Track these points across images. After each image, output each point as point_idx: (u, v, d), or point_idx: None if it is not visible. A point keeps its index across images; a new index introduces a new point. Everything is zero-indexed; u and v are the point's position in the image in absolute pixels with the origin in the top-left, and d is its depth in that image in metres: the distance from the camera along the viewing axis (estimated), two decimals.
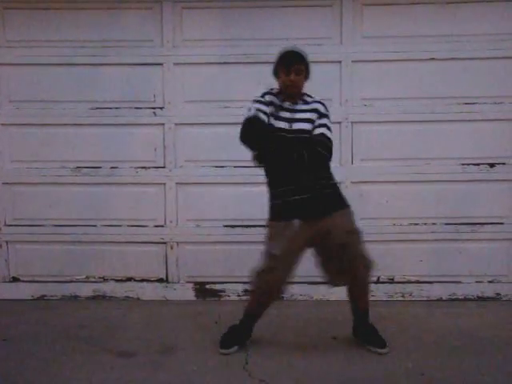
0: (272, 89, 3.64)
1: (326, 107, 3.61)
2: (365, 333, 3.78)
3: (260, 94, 3.60)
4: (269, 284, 3.66)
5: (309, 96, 3.64)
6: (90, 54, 4.58)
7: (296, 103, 3.58)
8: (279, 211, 3.59)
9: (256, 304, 3.77)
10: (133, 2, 4.55)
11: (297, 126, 3.51)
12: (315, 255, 3.69)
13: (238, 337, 3.77)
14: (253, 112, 3.49)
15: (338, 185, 3.69)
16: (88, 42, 4.59)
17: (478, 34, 4.50)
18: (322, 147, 3.47)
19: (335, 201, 3.61)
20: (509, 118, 4.54)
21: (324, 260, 3.67)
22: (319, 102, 3.62)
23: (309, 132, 3.52)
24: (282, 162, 3.50)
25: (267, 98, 3.57)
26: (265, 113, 3.51)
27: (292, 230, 3.55)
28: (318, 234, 3.55)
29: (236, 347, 3.73)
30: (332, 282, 3.72)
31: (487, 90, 4.53)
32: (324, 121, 3.56)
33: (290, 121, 3.51)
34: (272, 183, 3.64)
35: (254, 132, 3.49)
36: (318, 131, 3.51)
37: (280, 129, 3.49)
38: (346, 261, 3.56)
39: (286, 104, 3.56)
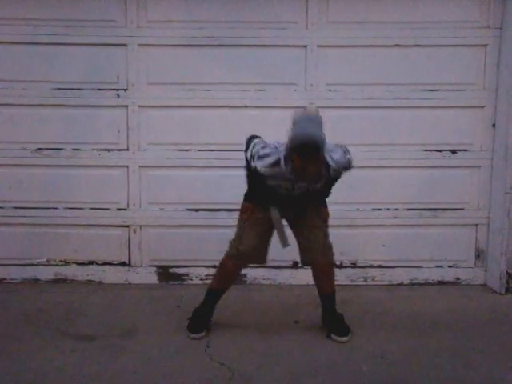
0: (278, 158, 3.33)
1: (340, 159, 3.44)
2: (328, 320, 3.80)
3: (262, 164, 3.38)
4: (230, 270, 3.73)
5: (330, 158, 3.37)
6: (53, 32, 4.48)
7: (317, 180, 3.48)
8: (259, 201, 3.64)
9: (217, 283, 3.79)
10: None
11: (315, 187, 3.50)
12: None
13: (204, 319, 3.77)
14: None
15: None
16: (50, 21, 4.47)
17: (441, 22, 4.51)
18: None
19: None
20: (471, 105, 4.59)
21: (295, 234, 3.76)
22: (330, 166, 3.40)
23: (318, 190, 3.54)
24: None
25: (266, 172, 3.40)
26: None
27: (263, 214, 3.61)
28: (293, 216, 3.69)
29: (204, 331, 3.73)
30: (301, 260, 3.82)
31: (450, 77, 4.57)
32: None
33: (307, 188, 3.49)
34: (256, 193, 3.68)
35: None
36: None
37: (291, 193, 3.51)
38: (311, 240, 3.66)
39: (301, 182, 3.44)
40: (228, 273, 3.75)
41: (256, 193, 3.64)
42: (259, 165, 3.38)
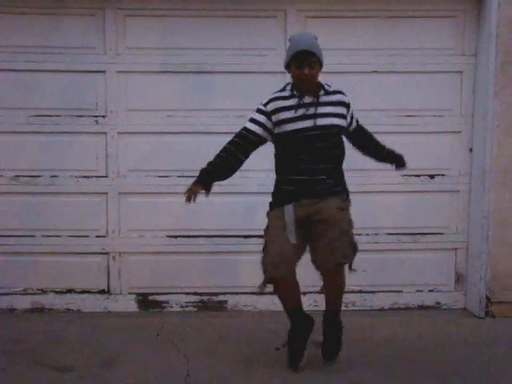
0: (285, 86, 3.55)
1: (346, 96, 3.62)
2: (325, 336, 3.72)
3: (265, 101, 3.50)
4: (280, 288, 3.57)
5: (328, 85, 3.58)
6: (30, 59, 4.47)
7: (317, 96, 3.49)
8: (284, 196, 3.54)
9: (285, 303, 3.63)
10: (75, 8, 4.47)
11: (322, 121, 3.45)
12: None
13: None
14: (245, 129, 3.49)
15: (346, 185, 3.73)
16: (28, 48, 4.47)
17: (417, 48, 4.60)
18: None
19: (337, 189, 3.61)
20: (448, 130, 4.65)
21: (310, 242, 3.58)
22: (341, 93, 3.59)
23: (337, 127, 3.50)
24: (302, 158, 3.47)
25: (271, 106, 3.47)
26: (261, 125, 3.47)
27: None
28: (309, 214, 3.50)
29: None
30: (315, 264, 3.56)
31: (427, 102, 4.63)
32: (355, 114, 3.67)
33: (314, 117, 3.44)
34: (283, 170, 3.58)
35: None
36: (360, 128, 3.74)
37: (303, 129, 3.43)
38: (328, 241, 3.46)
39: (306, 99, 3.46)
40: (282, 292, 3.57)
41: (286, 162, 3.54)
42: (264, 100, 3.48)
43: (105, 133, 4.56)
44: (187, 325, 4.36)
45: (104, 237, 4.63)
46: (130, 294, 4.67)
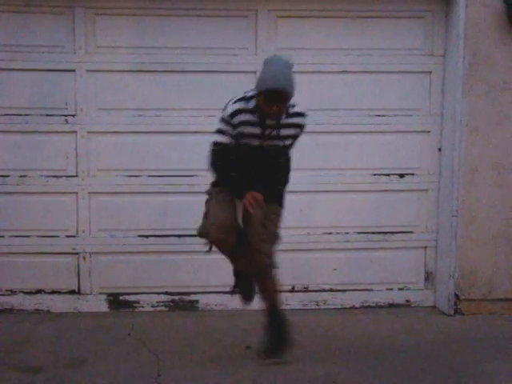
0: (250, 97, 3.43)
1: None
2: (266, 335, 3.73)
3: (231, 111, 3.41)
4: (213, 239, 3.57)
5: (292, 106, 3.46)
6: None
7: (279, 120, 3.44)
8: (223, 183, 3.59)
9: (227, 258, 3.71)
10: (44, 7, 4.42)
11: (273, 142, 3.48)
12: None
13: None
14: (220, 139, 3.48)
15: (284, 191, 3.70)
16: None
17: (387, 48, 4.63)
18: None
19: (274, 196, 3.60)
20: (417, 130, 4.70)
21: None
22: (301, 115, 3.51)
23: (286, 148, 3.54)
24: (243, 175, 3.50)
25: (236, 119, 3.41)
26: (231, 135, 3.46)
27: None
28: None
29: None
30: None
31: (397, 102, 4.68)
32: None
33: (268, 138, 3.45)
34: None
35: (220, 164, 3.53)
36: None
37: (255, 146, 3.47)
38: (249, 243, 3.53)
39: (268, 121, 3.41)
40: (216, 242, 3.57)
41: (225, 174, 3.57)
42: (230, 107, 3.41)
43: (75, 132, 4.52)
44: (158, 325, 4.35)
45: (74, 237, 4.60)
46: (100, 294, 4.64)
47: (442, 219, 4.71)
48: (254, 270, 3.63)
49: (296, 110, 3.49)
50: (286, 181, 3.69)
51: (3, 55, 4.43)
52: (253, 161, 3.51)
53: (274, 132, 3.45)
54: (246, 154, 3.50)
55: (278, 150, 3.53)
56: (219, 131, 3.50)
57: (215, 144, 3.52)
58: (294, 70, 3.37)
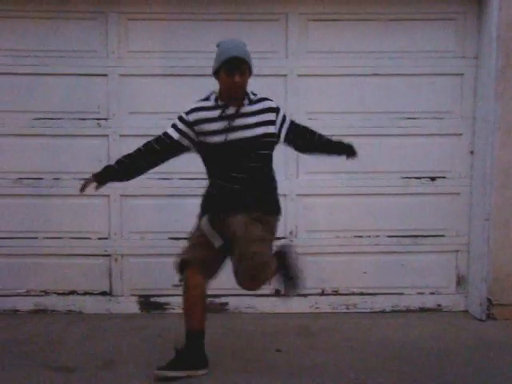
0: (210, 94, 3.50)
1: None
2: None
3: (187, 109, 3.47)
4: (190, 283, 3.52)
5: (253, 94, 3.50)
6: (33, 63, 4.51)
7: (239, 107, 3.40)
8: (209, 202, 3.54)
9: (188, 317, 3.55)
10: (77, 12, 4.50)
11: (240, 134, 3.37)
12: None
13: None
14: (169, 131, 3.49)
15: (277, 190, 3.60)
16: (30, 52, 4.50)
17: (419, 51, 4.61)
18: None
19: (267, 203, 3.50)
20: (449, 132, 4.66)
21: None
22: (266, 99, 3.50)
23: (263, 136, 3.40)
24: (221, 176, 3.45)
25: (192, 116, 3.43)
26: (182, 133, 3.44)
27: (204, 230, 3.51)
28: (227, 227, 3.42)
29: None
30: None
31: (428, 105, 4.64)
32: (287, 117, 3.58)
33: (232, 130, 3.37)
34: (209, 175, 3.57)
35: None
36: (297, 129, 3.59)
37: (222, 142, 3.36)
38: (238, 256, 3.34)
39: (229, 109, 3.39)
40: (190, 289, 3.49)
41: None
42: (187, 108, 3.44)
43: (107, 135, 4.58)
44: None
45: (106, 239, 4.65)
46: (131, 295, 4.69)
47: (474, 223, 4.66)
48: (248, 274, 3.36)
49: (259, 96, 3.49)
50: (271, 180, 3.54)
51: (36, 60, 4.52)
52: (225, 161, 3.40)
53: (237, 121, 3.37)
54: (216, 154, 3.41)
55: (250, 142, 3.39)
56: (173, 125, 3.49)
57: (165, 133, 3.50)
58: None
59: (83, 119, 4.56)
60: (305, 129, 3.69)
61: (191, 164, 4.55)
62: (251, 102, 3.45)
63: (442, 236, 4.73)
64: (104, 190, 4.53)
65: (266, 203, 3.50)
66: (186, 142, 3.48)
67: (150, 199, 4.63)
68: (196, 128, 3.42)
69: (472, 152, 4.66)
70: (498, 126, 4.47)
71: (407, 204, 4.69)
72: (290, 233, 4.65)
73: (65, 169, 4.58)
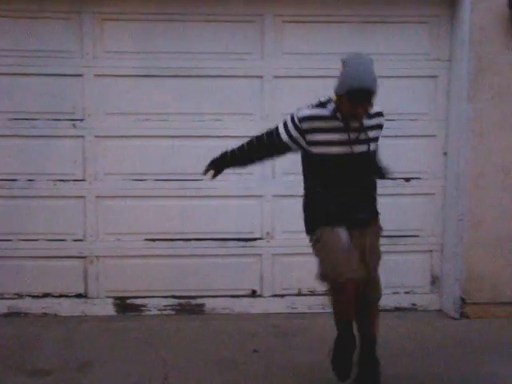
0: (327, 102, 3.23)
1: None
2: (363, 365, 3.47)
3: (302, 115, 3.18)
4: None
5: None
6: (7, 63, 4.45)
7: (361, 120, 3.17)
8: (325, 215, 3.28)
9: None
10: (51, 12, 4.46)
11: (361, 148, 3.21)
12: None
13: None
14: (282, 136, 3.23)
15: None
16: (5, 52, 4.45)
17: (393, 53, 4.66)
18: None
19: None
20: (423, 134, 4.72)
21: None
22: (381, 115, 3.36)
23: (373, 153, 3.32)
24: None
25: (306, 125, 3.15)
26: (291, 138, 3.21)
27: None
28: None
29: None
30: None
31: (403, 107, 4.69)
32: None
33: (354, 142, 3.18)
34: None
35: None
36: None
37: (341, 155, 3.17)
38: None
39: (353, 123, 3.16)
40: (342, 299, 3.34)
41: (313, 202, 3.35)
42: (301, 113, 3.18)
43: (82, 136, 4.55)
44: (165, 328, 4.36)
45: (81, 240, 4.62)
46: (107, 297, 4.66)
47: (448, 223, 4.72)
48: (363, 303, 3.39)
49: (376, 109, 3.29)
50: (376, 192, 3.51)
51: (11, 60, 4.47)
52: (346, 173, 3.22)
53: (363, 135, 3.19)
54: (332, 165, 3.20)
55: (368, 157, 3.27)
56: (284, 125, 3.24)
57: (277, 134, 3.25)
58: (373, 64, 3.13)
59: (58, 120, 4.52)
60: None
61: (166, 165, 4.59)
62: (369, 117, 3.23)
63: (417, 236, 4.79)
64: (79, 191, 4.56)
65: (377, 214, 3.58)
66: (294, 147, 3.27)
67: (125, 200, 4.60)
68: (308, 136, 3.18)
69: (446, 153, 4.72)
70: (471, 127, 4.53)
71: (382, 204, 4.69)
72: (267, 233, 4.66)
73: (39, 170, 4.54)
